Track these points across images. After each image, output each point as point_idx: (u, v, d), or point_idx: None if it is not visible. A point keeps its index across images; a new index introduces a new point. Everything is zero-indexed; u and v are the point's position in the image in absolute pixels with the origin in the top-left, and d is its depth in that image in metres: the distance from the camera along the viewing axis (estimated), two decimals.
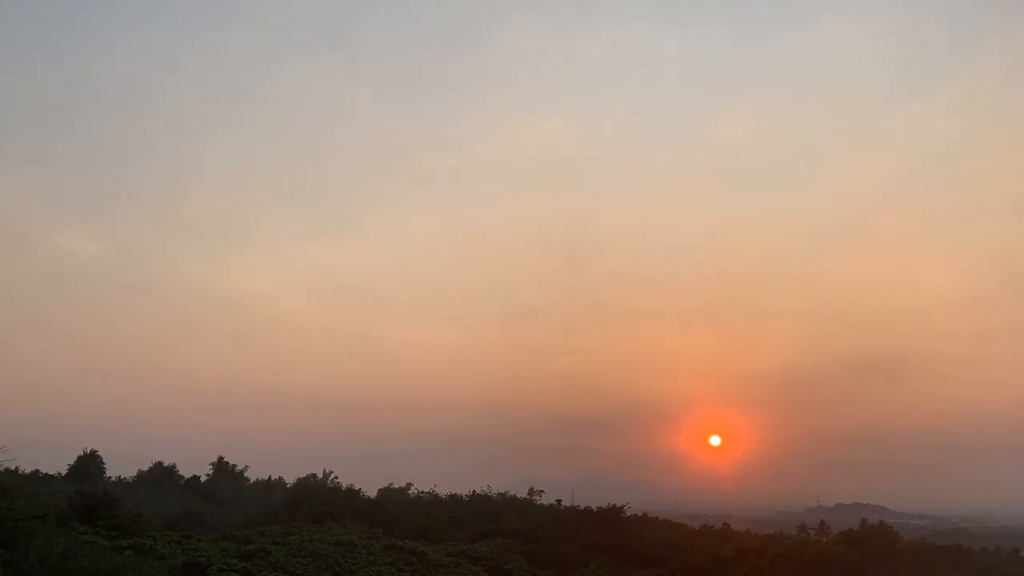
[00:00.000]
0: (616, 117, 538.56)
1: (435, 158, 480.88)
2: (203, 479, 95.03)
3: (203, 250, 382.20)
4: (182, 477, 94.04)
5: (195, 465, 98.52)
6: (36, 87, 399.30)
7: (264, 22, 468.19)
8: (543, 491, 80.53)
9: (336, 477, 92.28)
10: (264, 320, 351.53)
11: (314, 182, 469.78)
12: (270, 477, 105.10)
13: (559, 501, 76.12)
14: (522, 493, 78.79)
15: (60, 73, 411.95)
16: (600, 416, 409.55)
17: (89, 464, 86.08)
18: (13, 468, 48.25)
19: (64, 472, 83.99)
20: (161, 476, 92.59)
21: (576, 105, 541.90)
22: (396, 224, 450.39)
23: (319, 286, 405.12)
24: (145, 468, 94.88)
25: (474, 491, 77.58)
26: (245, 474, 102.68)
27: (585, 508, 65.39)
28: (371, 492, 77.28)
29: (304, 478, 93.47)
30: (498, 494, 76.72)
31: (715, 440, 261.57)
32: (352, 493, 67.96)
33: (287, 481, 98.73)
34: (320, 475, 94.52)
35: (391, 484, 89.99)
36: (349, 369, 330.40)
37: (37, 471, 77.98)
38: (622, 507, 62.36)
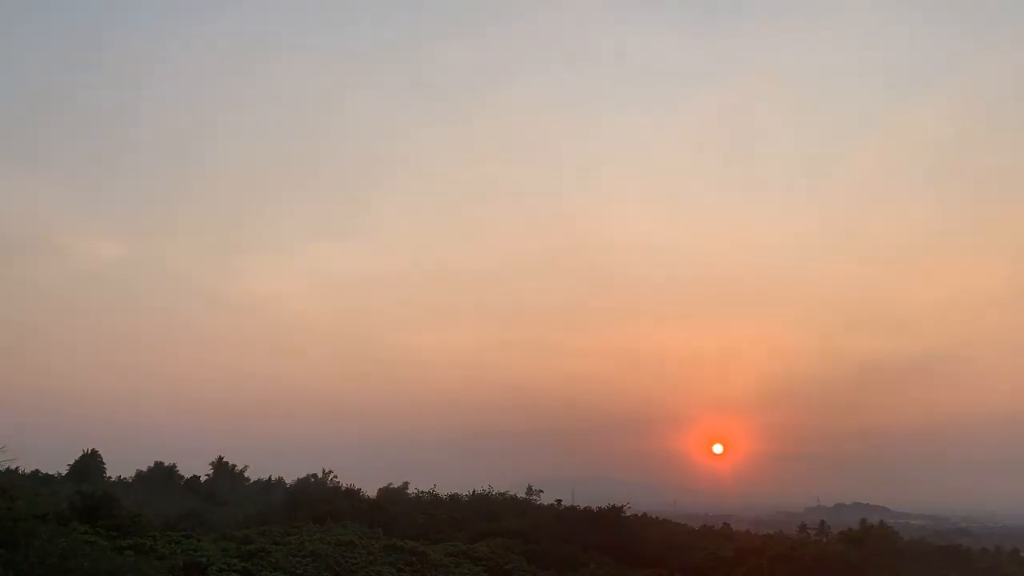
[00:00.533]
0: (620, 117, 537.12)
1: (444, 159, 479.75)
2: (203, 479, 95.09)
3: (207, 252, 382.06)
4: (182, 477, 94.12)
5: (195, 465, 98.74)
6: (54, 92, 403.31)
7: (280, 24, 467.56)
8: (543, 491, 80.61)
9: (336, 477, 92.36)
10: (268, 322, 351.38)
11: (324, 185, 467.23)
12: (270, 477, 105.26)
13: (559, 501, 76.11)
14: (522, 493, 78.86)
15: (76, 78, 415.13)
16: (601, 416, 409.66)
17: (89, 464, 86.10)
18: (13, 468, 48.31)
19: (64, 472, 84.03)
20: (161, 476, 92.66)
21: (581, 106, 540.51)
22: (402, 227, 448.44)
23: (325, 288, 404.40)
24: (145, 468, 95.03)
25: (474, 491, 77.62)
26: (245, 474, 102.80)
27: (585, 508, 65.39)
28: (371, 492, 77.36)
29: (304, 478, 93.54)
30: (498, 494, 76.72)
31: (718, 448, 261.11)
32: (352, 493, 68.01)
33: (287, 481, 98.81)
34: (320, 475, 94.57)
35: (391, 484, 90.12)
36: (351, 370, 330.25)
37: (37, 471, 77.99)
38: (622, 507, 62.36)
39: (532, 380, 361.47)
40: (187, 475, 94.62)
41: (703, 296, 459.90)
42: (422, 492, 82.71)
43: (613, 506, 61.88)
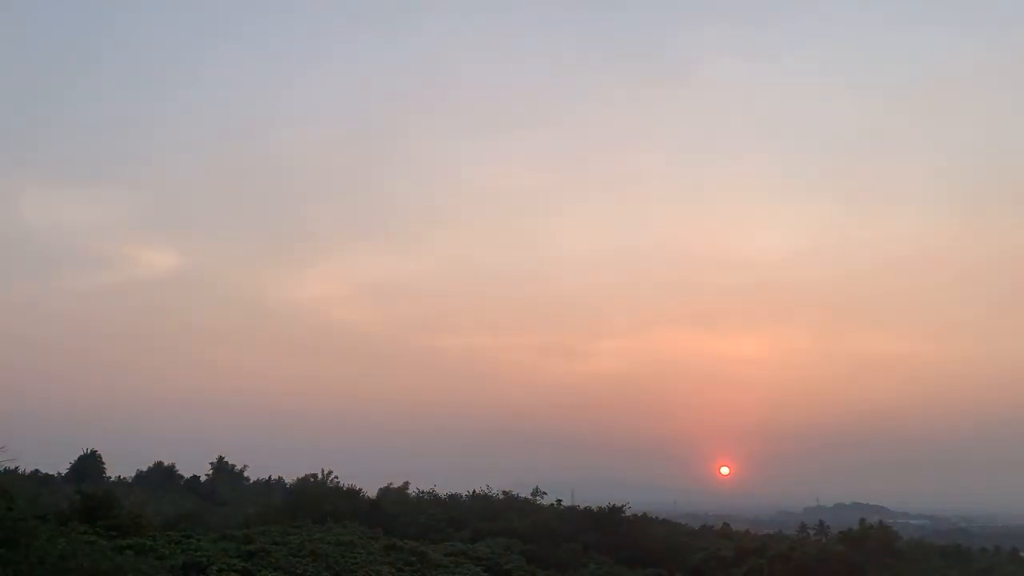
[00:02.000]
0: (653, 117, 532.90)
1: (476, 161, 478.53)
2: (203, 479, 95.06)
3: (215, 254, 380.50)
4: (182, 477, 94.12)
5: (195, 465, 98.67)
6: (108, 104, 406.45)
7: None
8: (545, 492, 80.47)
9: (336, 477, 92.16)
10: (269, 322, 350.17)
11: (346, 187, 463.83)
12: (270, 477, 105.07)
13: (559, 501, 75.99)
14: (523, 493, 78.71)
15: (128, 89, 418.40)
16: (601, 416, 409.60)
17: (89, 464, 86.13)
18: (13, 468, 48.45)
19: (64, 472, 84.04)
20: (161, 476, 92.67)
21: (614, 110, 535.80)
22: (425, 230, 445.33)
23: (329, 289, 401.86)
24: (145, 468, 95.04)
25: (474, 491, 77.49)
26: (245, 474, 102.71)
27: (585, 508, 65.37)
28: (371, 492, 77.22)
29: (304, 478, 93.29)
30: (499, 494, 76.63)
31: (725, 470, 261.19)
32: (352, 493, 67.93)
33: (287, 481, 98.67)
34: (320, 475, 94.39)
35: (391, 484, 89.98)
36: (353, 370, 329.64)
37: (37, 471, 77.95)
38: (622, 507, 62.37)
39: (534, 380, 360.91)
40: (187, 475, 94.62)
41: (706, 299, 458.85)
42: (422, 492, 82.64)
43: (613, 506, 61.87)
